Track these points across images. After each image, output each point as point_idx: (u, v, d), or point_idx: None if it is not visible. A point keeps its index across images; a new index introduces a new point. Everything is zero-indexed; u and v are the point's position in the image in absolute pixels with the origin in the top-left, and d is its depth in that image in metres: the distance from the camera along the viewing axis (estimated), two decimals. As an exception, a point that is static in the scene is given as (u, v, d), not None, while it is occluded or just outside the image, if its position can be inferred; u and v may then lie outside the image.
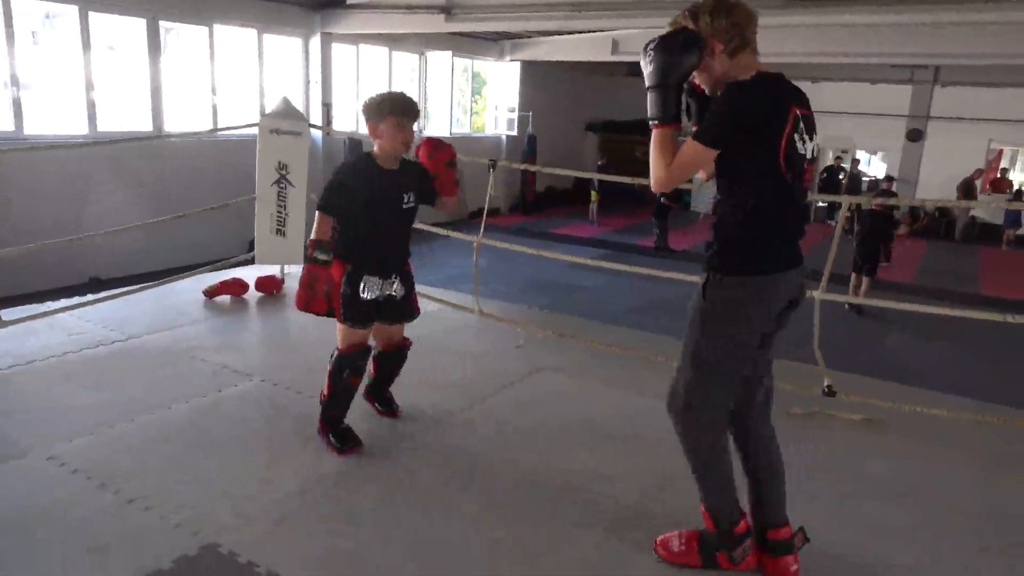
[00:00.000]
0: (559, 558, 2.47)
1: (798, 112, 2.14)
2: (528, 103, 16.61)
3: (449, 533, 2.57)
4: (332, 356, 3.06)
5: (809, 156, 2.21)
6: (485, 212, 4.81)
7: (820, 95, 17.16)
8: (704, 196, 17.99)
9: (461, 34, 13.83)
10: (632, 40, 13.45)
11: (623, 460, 3.17)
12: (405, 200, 3.06)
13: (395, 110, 2.95)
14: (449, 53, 14.70)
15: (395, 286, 3.12)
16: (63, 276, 8.12)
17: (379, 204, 3.00)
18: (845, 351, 6.10)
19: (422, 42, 13.95)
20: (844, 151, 17.54)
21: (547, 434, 3.39)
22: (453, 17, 10.41)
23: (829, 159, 17.47)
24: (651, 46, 2.12)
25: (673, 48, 2.10)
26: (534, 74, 16.70)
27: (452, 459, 3.10)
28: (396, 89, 3.24)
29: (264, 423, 3.38)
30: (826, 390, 3.64)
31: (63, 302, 4.70)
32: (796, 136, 2.13)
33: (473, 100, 16.35)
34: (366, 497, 2.77)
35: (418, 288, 3.35)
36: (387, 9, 11.06)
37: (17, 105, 8.52)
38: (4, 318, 4.02)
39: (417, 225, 3.35)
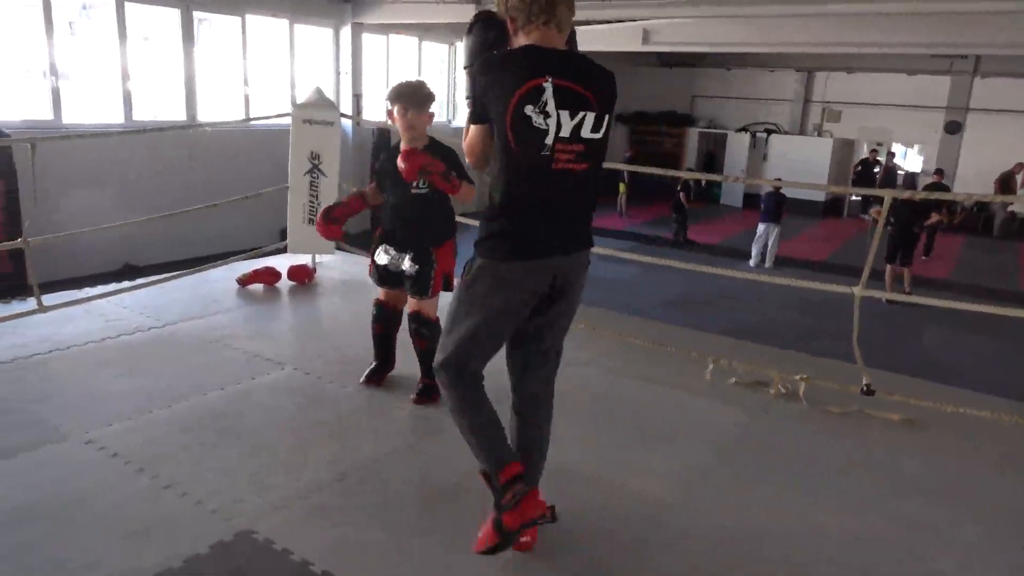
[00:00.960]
0: (588, 554, 2.45)
1: (548, 83, 2.02)
2: (557, 94, 16.50)
3: (480, 521, 2.56)
4: None
5: (564, 134, 2.05)
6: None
7: (855, 86, 16.95)
8: (735, 191, 17.82)
9: (491, 24, 13.76)
10: (663, 30, 13.28)
11: (655, 455, 3.15)
12: (414, 185, 3.22)
13: (396, 98, 3.23)
14: (479, 43, 14.65)
15: (406, 263, 3.34)
16: (98, 263, 8.27)
17: (392, 183, 3.30)
18: (882, 347, 6.00)
19: (452, 32, 13.92)
20: (879, 143, 17.22)
21: (576, 428, 3.37)
22: (483, 6, 10.36)
23: (864, 152, 17.16)
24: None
25: (473, 30, 2.24)
26: (563, 64, 16.58)
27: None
28: (423, 78, 3.35)
29: (296, 412, 3.40)
30: (865, 389, 3.57)
31: (100, 288, 4.78)
32: (532, 108, 2.01)
33: (502, 90, 16.27)
34: (398, 487, 2.78)
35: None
36: (415, 0, 11.06)
37: (56, 94, 8.68)
38: (44, 303, 4.10)
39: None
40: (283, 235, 5.34)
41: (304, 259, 5.55)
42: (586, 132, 2.09)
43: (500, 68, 2.08)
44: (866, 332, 3.86)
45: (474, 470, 2.89)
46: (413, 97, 3.24)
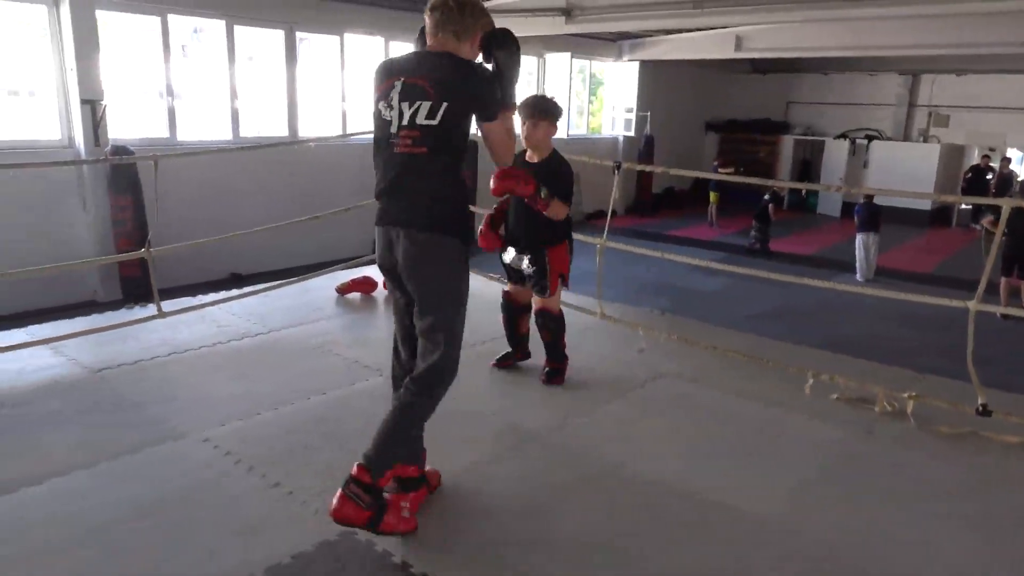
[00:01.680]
0: (686, 570, 2.42)
1: (399, 81, 2.43)
2: (646, 103, 16.36)
3: (577, 533, 2.58)
4: None
5: (404, 122, 2.41)
6: (610, 214, 4.78)
7: (964, 88, 16.05)
8: (832, 200, 17.17)
9: (579, 35, 13.81)
10: (756, 36, 13.00)
11: (752, 472, 3.08)
12: None
13: (518, 109, 3.44)
14: (568, 55, 14.72)
15: (524, 263, 3.70)
16: (207, 271, 8.74)
17: None
18: (997, 365, 5.63)
19: (541, 44, 14.04)
20: (992, 149, 16.20)
21: (670, 442, 3.34)
22: (573, 19, 10.42)
23: (975, 158, 16.20)
24: None
25: (417, 42, 2.62)
26: (653, 73, 16.44)
27: (576, 461, 3.10)
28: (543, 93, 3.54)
29: (394, 417, 3.50)
30: (980, 409, 3.38)
31: (212, 296, 5.08)
32: (383, 103, 2.47)
33: (589, 101, 16.30)
34: (495, 493, 2.83)
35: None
36: (508, 13, 11.21)
37: (171, 114, 9.26)
38: (163, 310, 4.39)
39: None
40: (379, 246, 5.51)
41: (399, 269, 5.71)
42: (420, 119, 2.41)
43: (375, 73, 2.55)
44: (979, 349, 3.65)
45: (570, 478, 2.93)
46: (528, 110, 3.59)
